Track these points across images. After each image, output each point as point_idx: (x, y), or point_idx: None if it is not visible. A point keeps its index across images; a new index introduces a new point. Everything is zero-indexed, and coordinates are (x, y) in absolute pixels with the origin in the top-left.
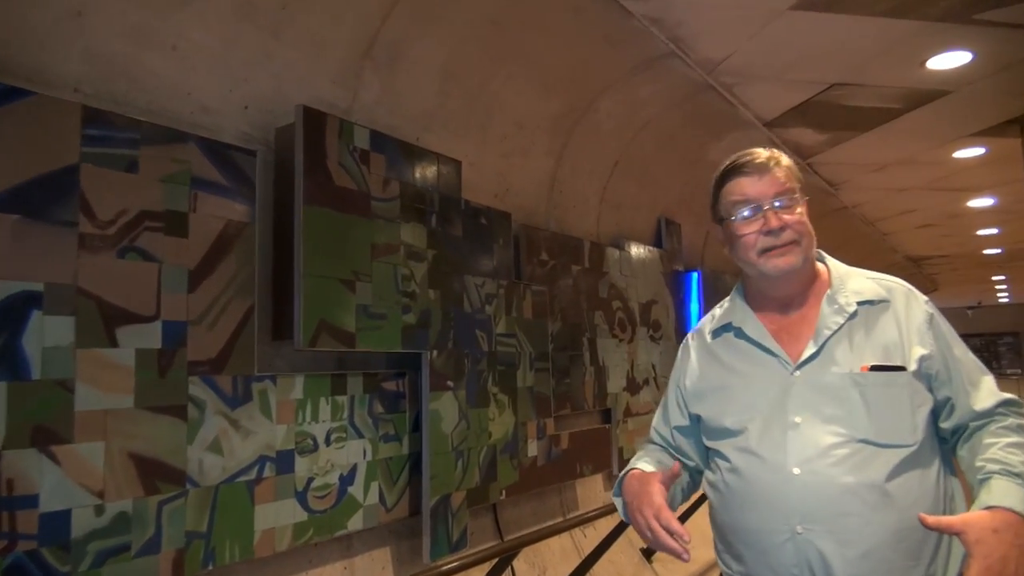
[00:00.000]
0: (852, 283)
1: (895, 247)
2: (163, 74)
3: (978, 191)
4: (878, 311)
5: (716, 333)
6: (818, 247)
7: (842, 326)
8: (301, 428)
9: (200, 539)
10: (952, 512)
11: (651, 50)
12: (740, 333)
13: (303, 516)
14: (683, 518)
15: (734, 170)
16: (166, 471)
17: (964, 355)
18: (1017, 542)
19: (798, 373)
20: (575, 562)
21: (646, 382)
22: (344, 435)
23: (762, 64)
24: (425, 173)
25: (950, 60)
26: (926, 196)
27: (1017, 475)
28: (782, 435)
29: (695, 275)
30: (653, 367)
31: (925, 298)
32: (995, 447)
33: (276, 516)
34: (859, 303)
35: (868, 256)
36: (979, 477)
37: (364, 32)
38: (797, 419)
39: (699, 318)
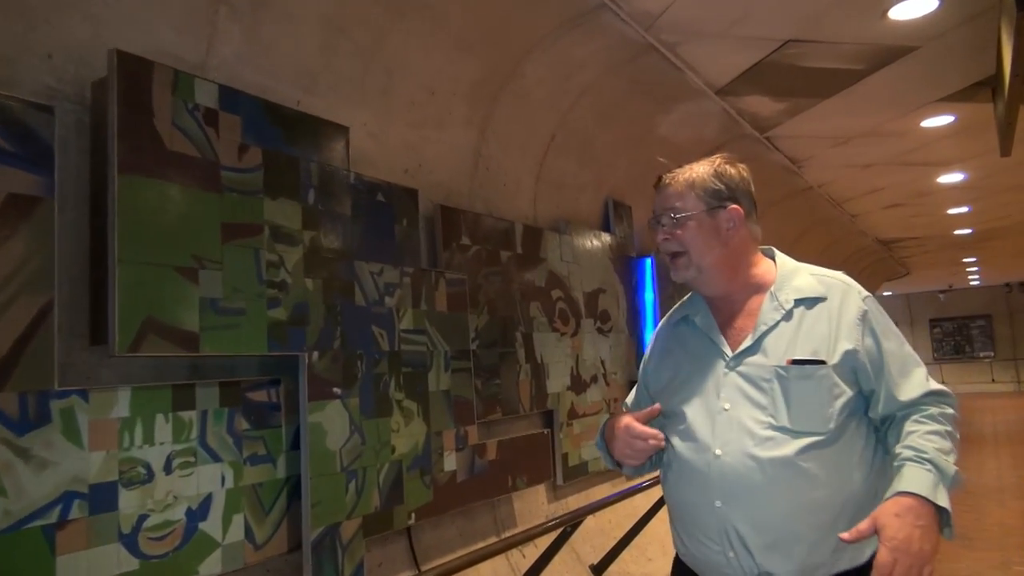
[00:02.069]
0: (795, 280)
1: (864, 230)
2: None
3: (947, 165)
4: (814, 309)
5: (676, 323)
6: (783, 233)
7: (778, 322)
8: (128, 454)
9: None
10: (874, 496)
11: (579, 1)
12: (692, 323)
13: (133, 564)
14: (643, 522)
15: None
16: None
17: (898, 348)
18: (919, 522)
19: (732, 363)
20: None
21: (594, 379)
22: (192, 459)
23: (706, 18)
24: (300, 140)
25: (913, 8)
26: (894, 172)
27: (927, 460)
28: (711, 419)
29: (648, 261)
30: (602, 362)
31: (865, 294)
32: (914, 435)
33: (91, 567)
34: (796, 300)
35: (837, 241)
36: (895, 464)
37: None
38: (726, 405)
39: (654, 307)
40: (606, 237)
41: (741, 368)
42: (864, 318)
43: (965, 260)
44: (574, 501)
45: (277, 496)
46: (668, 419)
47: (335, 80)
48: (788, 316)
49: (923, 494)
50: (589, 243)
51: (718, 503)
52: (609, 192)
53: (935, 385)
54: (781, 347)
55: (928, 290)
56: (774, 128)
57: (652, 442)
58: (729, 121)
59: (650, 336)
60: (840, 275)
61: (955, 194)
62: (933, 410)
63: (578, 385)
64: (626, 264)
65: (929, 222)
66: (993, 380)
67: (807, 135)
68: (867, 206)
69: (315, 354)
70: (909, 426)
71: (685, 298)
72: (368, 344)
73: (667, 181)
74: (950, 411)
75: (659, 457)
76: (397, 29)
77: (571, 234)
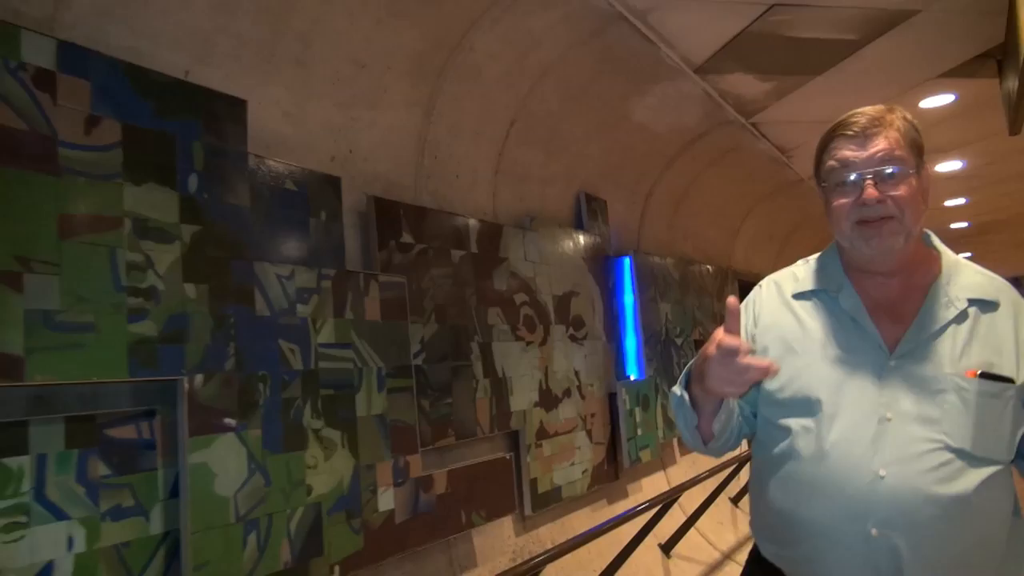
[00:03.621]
0: (963, 276)
1: None
2: None
3: (946, 152)
4: (989, 313)
5: (801, 296)
6: (772, 230)
7: (950, 322)
8: None
9: None
10: (1019, 529)
11: None
12: (833, 303)
13: None
14: (628, 551)
15: (837, 130)
16: None
17: None
18: None
19: (894, 363)
20: None
21: (567, 393)
22: (23, 519)
23: None
24: (178, 114)
25: None
26: None
27: None
28: (870, 430)
29: (627, 260)
30: (576, 373)
31: None
32: None
33: None
34: (970, 300)
35: (831, 238)
36: None
37: None
38: (889, 415)
39: (634, 311)
40: (579, 235)
41: (906, 369)
42: None
43: (961, 256)
44: (547, 532)
45: (151, 558)
46: (791, 411)
47: (235, 47)
48: (961, 318)
49: None
50: (559, 241)
51: (874, 532)
52: (581, 185)
53: None
54: (954, 352)
55: None
56: (760, 112)
57: (761, 375)
58: (711, 105)
59: (630, 342)
60: (1003, 279)
61: (953, 185)
62: None
63: (548, 400)
64: (602, 264)
65: (926, 215)
66: None
67: (796, 120)
68: None
69: (198, 378)
70: None
71: (801, 267)
72: (274, 363)
73: (874, 125)
74: None
75: (740, 433)
76: None
77: (537, 231)
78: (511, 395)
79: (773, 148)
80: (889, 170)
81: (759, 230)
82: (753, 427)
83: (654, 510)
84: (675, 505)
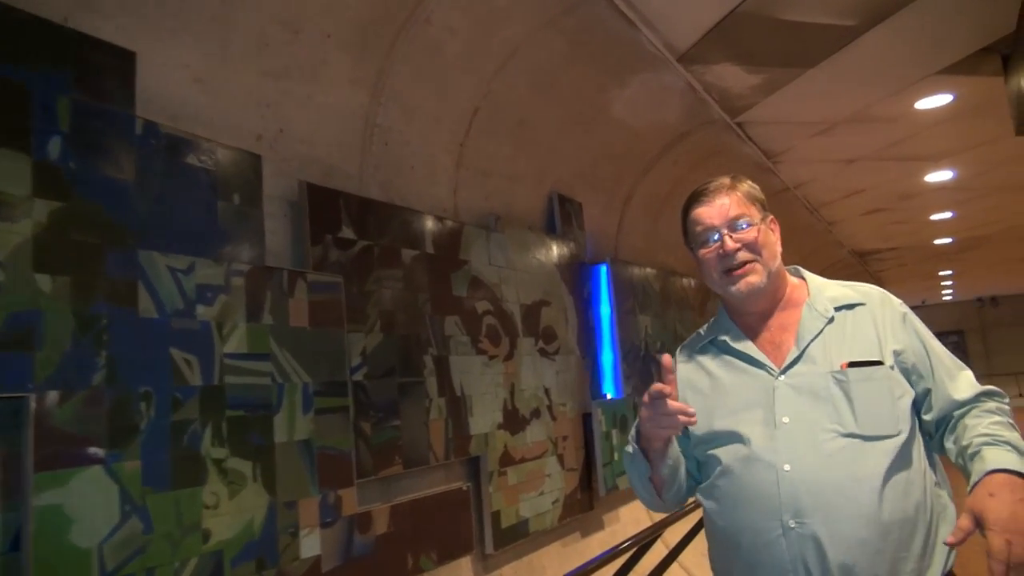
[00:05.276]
0: (828, 292)
1: (841, 240)
2: None
3: (938, 160)
4: (855, 313)
5: (703, 349)
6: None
7: (822, 330)
8: None
9: None
10: (936, 503)
11: None
12: (726, 346)
13: None
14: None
15: (694, 199)
16: None
17: (943, 350)
18: (1017, 496)
19: (782, 377)
20: None
21: (535, 414)
22: None
23: None
24: (34, 61)
25: None
26: (878, 169)
27: (1003, 441)
28: (771, 434)
29: (603, 268)
30: (547, 391)
31: (899, 301)
32: (979, 427)
33: None
34: (836, 308)
35: (813, 253)
36: (969, 453)
37: None
38: (784, 419)
39: (611, 323)
40: (551, 239)
41: (791, 380)
42: (906, 320)
43: (942, 273)
44: (510, 573)
45: None
46: (712, 444)
47: None
48: (830, 323)
49: (1012, 468)
50: (528, 245)
51: (791, 523)
52: (554, 185)
53: (986, 385)
54: (829, 354)
55: None
56: (747, 111)
57: (682, 418)
58: (695, 102)
59: (607, 357)
60: (871, 285)
61: (941, 196)
62: (991, 404)
63: (514, 422)
64: (577, 272)
65: (910, 230)
66: None
67: (784, 120)
68: (846, 212)
69: (52, 395)
70: (971, 420)
71: (705, 326)
72: (162, 377)
73: (719, 191)
74: (1006, 407)
75: (691, 486)
76: None
77: (504, 232)
78: (471, 416)
79: (759, 152)
80: (741, 223)
81: None
82: (698, 479)
83: (631, 552)
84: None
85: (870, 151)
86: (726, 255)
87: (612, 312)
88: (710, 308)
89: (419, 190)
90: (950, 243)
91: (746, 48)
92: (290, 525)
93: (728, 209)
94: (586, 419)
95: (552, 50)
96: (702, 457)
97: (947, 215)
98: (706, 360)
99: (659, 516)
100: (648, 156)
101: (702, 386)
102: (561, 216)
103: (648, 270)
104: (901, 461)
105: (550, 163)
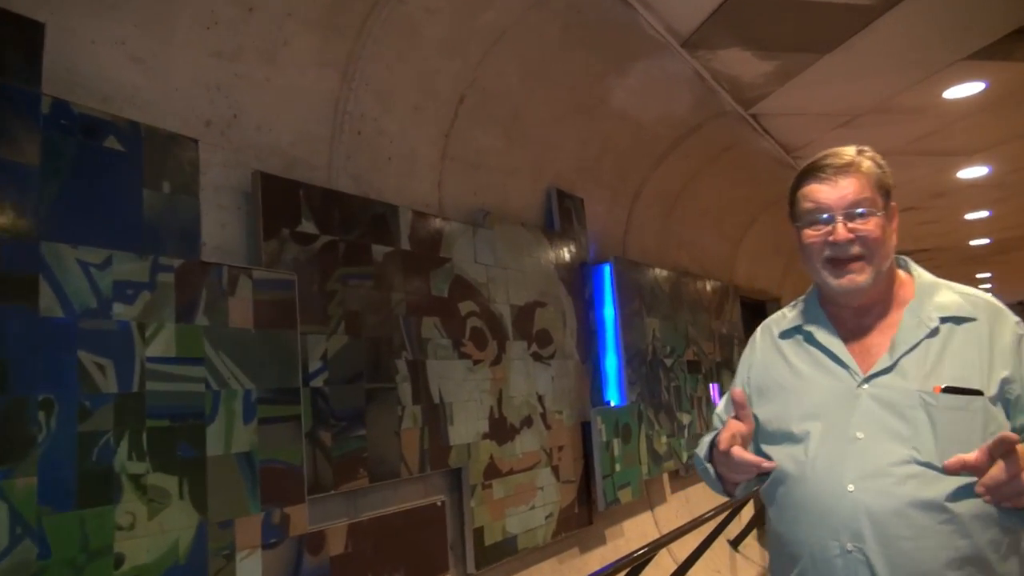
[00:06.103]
0: (938, 296)
1: None
2: None
3: (971, 155)
4: (962, 329)
5: (786, 334)
6: (778, 243)
7: (920, 341)
8: None
9: None
10: (1012, 539)
11: None
12: (810, 338)
13: None
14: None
15: (810, 172)
16: None
17: None
18: None
19: (866, 386)
20: None
21: (527, 422)
22: None
23: None
24: None
25: None
26: (908, 166)
27: None
28: (841, 449)
29: (607, 268)
30: (540, 399)
31: (1016, 319)
32: None
33: None
34: (942, 319)
35: None
36: None
37: None
38: (859, 434)
39: (615, 326)
40: (548, 236)
41: (876, 391)
42: (1021, 344)
43: (979, 276)
44: None
45: None
46: (780, 442)
47: None
48: (933, 335)
49: None
50: (522, 242)
51: (849, 546)
52: (553, 179)
53: None
54: (924, 370)
55: None
56: (761, 101)
57: (757, 469)
58: (704, 92)
59: (610, 362)
60: (987, 295)
61: (976, 194)
62: None
63: (501, 431)
64: (577, 272)
65: (944, 230)
66: None
67: (802, 112)
68: None
69: None
70: None
71: (791, 307)
72: (67, 383)
73: (843, 171)
74: None
75: (761, 479)
76: None
77: (493, 229)
78: (451, 425)
79: (777, 147)
80: (861, 211)
81: (763, 241)
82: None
83: (624, 571)
84: (665, 552)
85: (897, 145)
86: (836, 244)
87: (616, 314)
88: (727, 311)
89: (398, 183)
90: (987, 244)
91: (755, 32)
92: (224, 547)
93: (849, 193)
94: (585, 428)
95: (544, 34)
96: (766, 451)
97: (983, 214)
98: (787, 347)
99: (666, 528)
100: (657, 150)
101: (780, 376)
102: (560, 212)
103: (658, 271)
104: (979, 502)
105: (548, 156)
